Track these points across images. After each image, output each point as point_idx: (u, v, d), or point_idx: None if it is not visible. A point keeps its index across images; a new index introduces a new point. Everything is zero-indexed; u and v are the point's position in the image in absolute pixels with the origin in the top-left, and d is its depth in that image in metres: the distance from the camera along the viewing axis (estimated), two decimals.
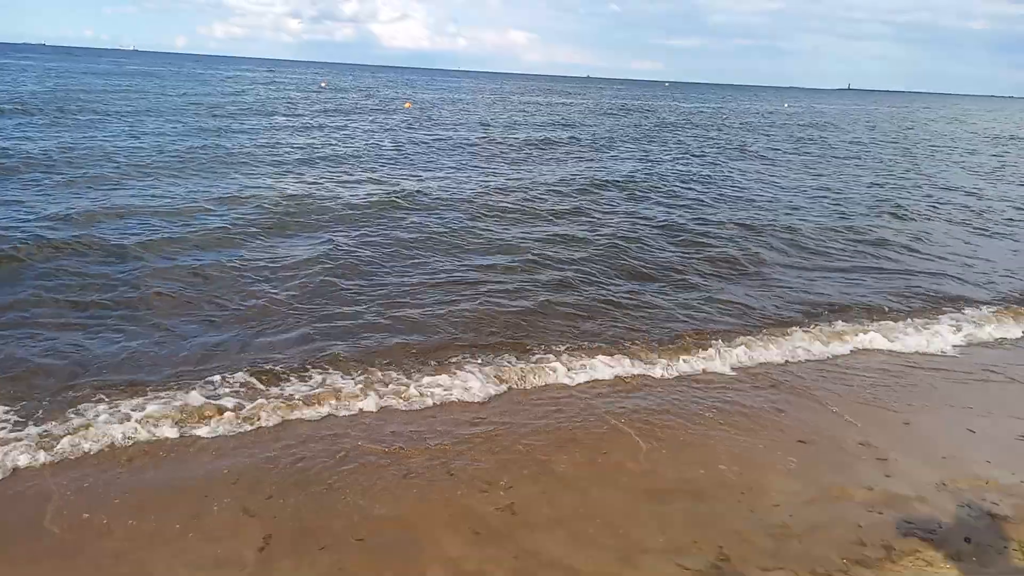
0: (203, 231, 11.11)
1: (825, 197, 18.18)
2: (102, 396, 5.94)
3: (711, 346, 7.94)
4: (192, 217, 11.99)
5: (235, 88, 53.60)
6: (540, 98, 71.41)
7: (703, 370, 7.39)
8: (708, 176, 20.51)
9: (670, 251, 11.95)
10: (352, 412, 6.04)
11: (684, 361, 7.53)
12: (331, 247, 10.72)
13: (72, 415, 5.62)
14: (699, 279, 10.51)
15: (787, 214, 15.51)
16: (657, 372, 7.26)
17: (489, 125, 34.15)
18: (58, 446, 5.20)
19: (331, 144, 22.92)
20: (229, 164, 17.52)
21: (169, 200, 13.14)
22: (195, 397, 6.03)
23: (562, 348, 7.57)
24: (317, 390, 6.35)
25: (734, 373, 7.37)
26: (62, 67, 73.26)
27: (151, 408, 5.81)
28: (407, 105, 46.67)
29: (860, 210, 16.53)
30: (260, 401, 6.08)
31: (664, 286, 10.04)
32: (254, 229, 11.48)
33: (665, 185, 18.11)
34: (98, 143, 19.13)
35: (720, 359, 7.63)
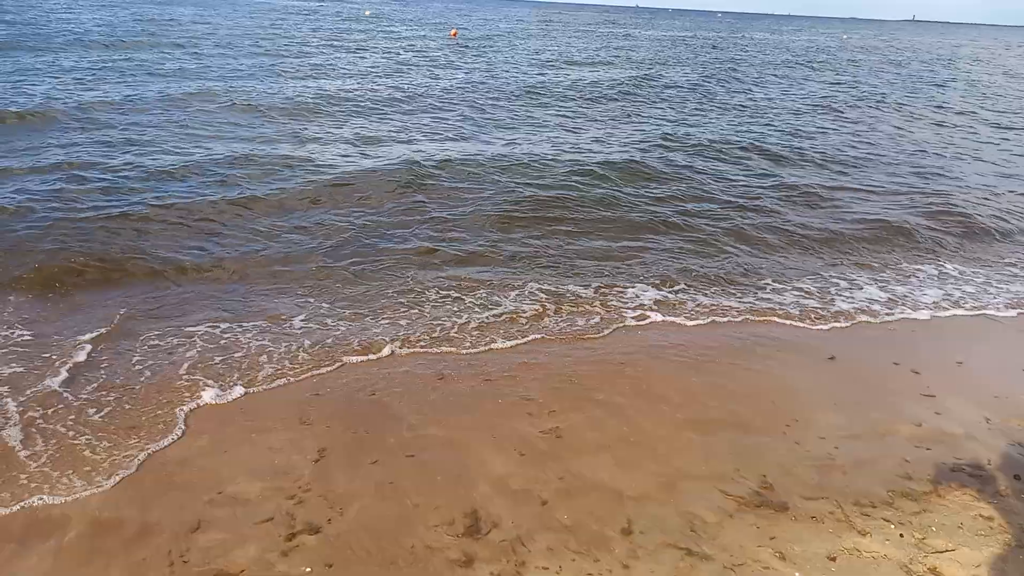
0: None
1: None
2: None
3: (769, 287, 7.85)
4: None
5: (280, 21, 53.04)
6: (598, 28, 69.15)
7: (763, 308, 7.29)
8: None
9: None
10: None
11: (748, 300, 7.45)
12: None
13: None
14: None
15: None
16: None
17: (552, 63, 33.04)
18: None
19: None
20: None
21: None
22: None
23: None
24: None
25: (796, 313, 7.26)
26: None
27: None
28: (452, 33, 45.78)
29: None
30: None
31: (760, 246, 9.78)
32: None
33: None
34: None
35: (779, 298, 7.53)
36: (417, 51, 32.38)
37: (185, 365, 5.51)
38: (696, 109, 19.73)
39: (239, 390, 5.23)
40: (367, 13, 69.61)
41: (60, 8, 41.79)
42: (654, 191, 11.14)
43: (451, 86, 20.99)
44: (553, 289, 7.33)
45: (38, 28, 28.57)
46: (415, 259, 7.93)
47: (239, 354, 5.71)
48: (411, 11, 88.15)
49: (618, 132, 15.58)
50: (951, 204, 11.33)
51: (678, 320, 6.87)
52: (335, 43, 33.78)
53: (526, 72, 25.92)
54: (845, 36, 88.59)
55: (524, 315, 6.69)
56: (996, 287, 8.22)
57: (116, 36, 28.13)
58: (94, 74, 18.12)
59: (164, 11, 49.10)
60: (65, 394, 5.02)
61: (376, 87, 19.94)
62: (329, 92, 18.20)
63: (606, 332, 6.52)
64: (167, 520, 3.94)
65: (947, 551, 3.91)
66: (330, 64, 24.75)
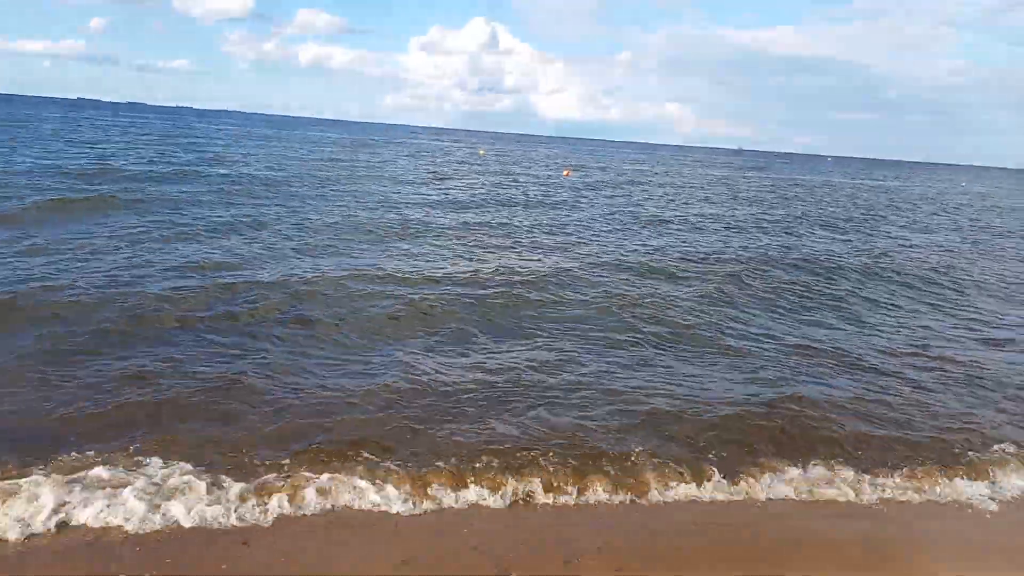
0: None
1: None
2: None
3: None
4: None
5: (407, 162, 56.96)
6: (704, 170, 70.14)
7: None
8: None
9: None
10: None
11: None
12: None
13: None
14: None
15: None
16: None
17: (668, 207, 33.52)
18: None
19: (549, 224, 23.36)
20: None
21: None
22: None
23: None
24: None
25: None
26: (258, 132, 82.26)
27: None
28: (566, 173, 47.08)
29: None
30: None
31: None
32: None
33: None
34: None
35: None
36: (541, 187, 33.34)
37: None
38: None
39: None
40: (481, 152, 73.87)
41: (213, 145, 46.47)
42: None
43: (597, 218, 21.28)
44: None
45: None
46: None
47: None
48: (520, 150, 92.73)
49: None
50: None
51: None
52: (465, 175, 35.53)
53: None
54: (964, 183, 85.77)
55: None
56: None
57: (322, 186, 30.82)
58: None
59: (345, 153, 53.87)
60: None
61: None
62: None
63: None
64: None
65: None
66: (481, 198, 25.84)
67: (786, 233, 22.63)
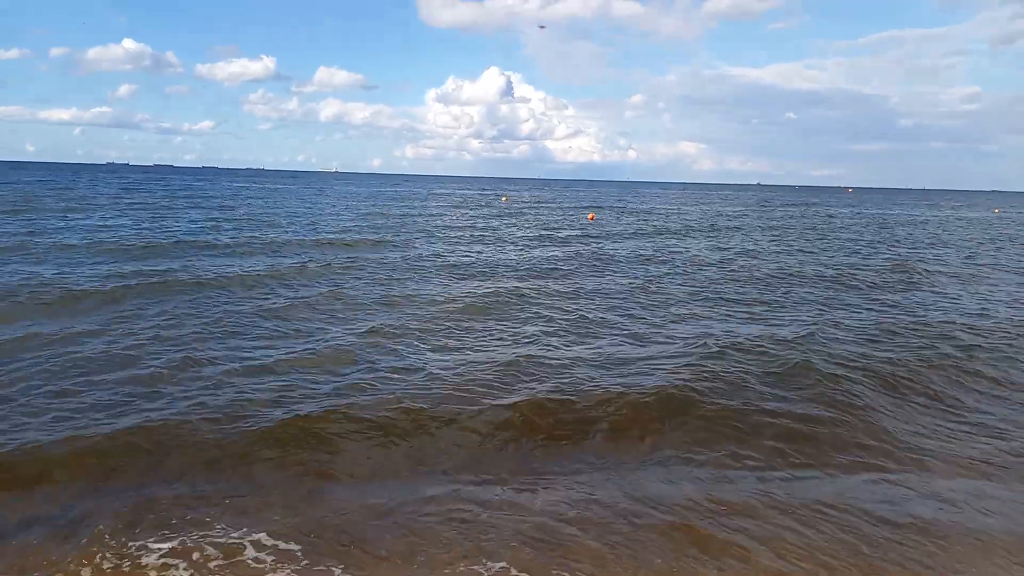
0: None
1: None
2: None
3: None
4: None
5: (433, 209, 57.43)
6: (720, 207, 69.60)
7: None
8: None
9: None
10: None
11: None
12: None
13: None
14: None
15: None
16: None
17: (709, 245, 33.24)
18: None
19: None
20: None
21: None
22: None
23: None
24: None
25: None
26: (283, 189, 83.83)
27: None
28: (590, 217, 46.91)
29: None
30: None
31: None
32: None
33: None
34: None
35: None
36: (573, 229, 33.27)
37: None
38: None
39: None
40: (504, 200, 74.17)
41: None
42: None
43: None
44: None
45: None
46: None
47: None
48: (543, 195, 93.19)
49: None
50: None
51: None
52: (488, 225, 35.56)
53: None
54: (997, 211, 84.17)
55: None
56: None
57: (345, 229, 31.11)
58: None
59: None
60: None
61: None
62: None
63: None
64: None
65: None
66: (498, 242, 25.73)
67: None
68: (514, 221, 41.87)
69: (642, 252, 25.61)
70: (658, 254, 25.13)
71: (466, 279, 18.20)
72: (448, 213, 48.23)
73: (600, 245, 28.13)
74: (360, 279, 17.48)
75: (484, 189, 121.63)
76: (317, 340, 11.26)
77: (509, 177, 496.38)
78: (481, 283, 17.53)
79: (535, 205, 65.15)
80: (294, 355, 10.28)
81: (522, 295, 15.71)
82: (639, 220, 46.10)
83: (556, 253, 24.83)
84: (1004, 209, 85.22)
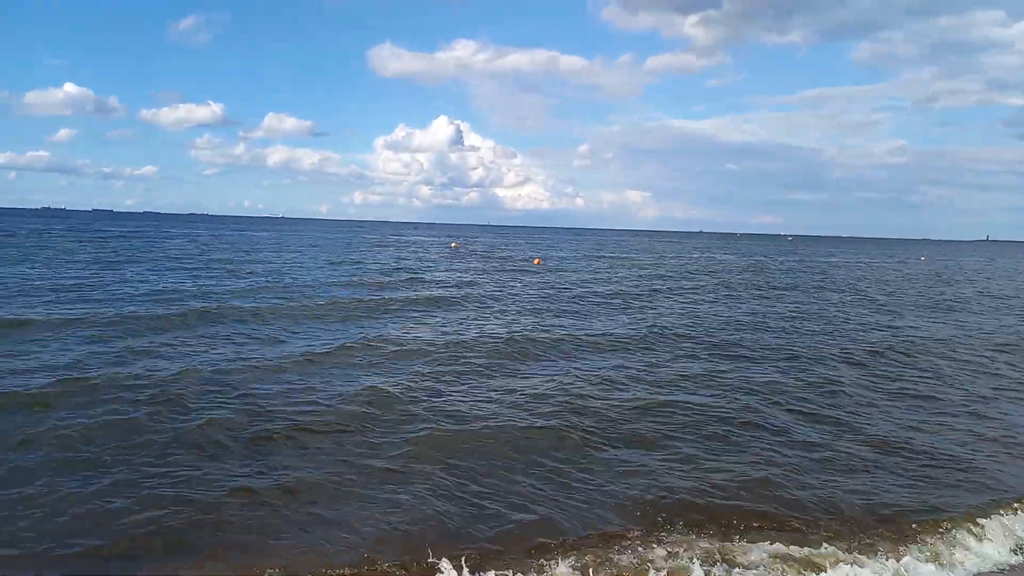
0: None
1: None
2: None
3: None
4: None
5: (387, 254, 57.29)
6: (676, 251, 71.67)
7: None
8: None
9: None
10: None
11: None
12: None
13: None
14: None
15: None
16: None
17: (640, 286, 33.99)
18: None
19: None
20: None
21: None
22: None
23: None
24: None
25: None
26: (229, 234, 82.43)
27: None
28: (536, 262, 47.59)
29: None
30: None
31: None
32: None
33: None
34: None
35: None
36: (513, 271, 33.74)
37: None
38: None
39: None
40: (454, 245, 74.50)
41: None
42: None
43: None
44: None
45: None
46: None
47: None
48: (496, 242, 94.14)
49: None
50: None
51: None
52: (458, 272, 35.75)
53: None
54: (924, 258, 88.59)
55: None
56: None
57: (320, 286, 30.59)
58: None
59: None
60: None
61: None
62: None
63: None
64: None
65: None
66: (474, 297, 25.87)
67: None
68: (465, 265, 42.16)
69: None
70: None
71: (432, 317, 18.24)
72: (407, 258, 48.28)
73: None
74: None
75: (435, 235, 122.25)
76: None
77: (459, 223, 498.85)
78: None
79: (487, 250, 65.84)
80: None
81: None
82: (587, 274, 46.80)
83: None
84: (930, 258, 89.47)
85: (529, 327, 17.62)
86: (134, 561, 5.81)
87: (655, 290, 29.42)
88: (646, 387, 11.90)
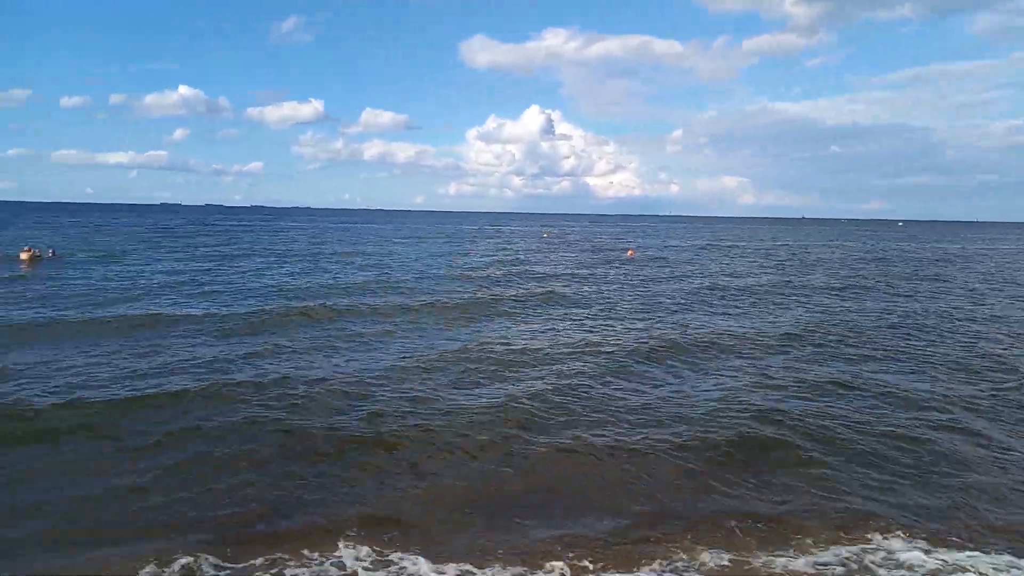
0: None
1: None
2: None
3: None
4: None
5: (489, 244, 57.06)
6: (793, 239, 67.86)
7: None
8: None
9: None
10: None
11: None
12: None
13: None
14: None
15: None
16: None
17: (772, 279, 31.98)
18: None
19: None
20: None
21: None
22: None
23: None
24: None
25: None
26: (335, 226, 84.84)
27: None
28: (629, 253, 45.86)
29: None
30: None
31: None
32: None
33: None
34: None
35: None
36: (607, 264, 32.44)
37: None
38: None
39: None
40: (546, 235, 74.63)
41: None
42: None
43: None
44: None
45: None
46: None
47: None
48: (588, 231, 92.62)
49: None
50: None
51: None
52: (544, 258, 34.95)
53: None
54: None
55: None
56: None
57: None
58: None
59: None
60: None
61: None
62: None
63: None
64: None
65: None
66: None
67: None
68: (568, 256, 41.16)
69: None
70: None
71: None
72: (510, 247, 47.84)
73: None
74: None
75: (529, 224, 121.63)
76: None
77: (551, 212, 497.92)
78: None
79: (580, 239, 64.57)
80: None
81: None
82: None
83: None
84: None
85: (671, 326, 16.51)
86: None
87: (781, 282, 27.37)
88: (837, 394, 10.61)
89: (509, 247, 50.39)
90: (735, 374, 11.85)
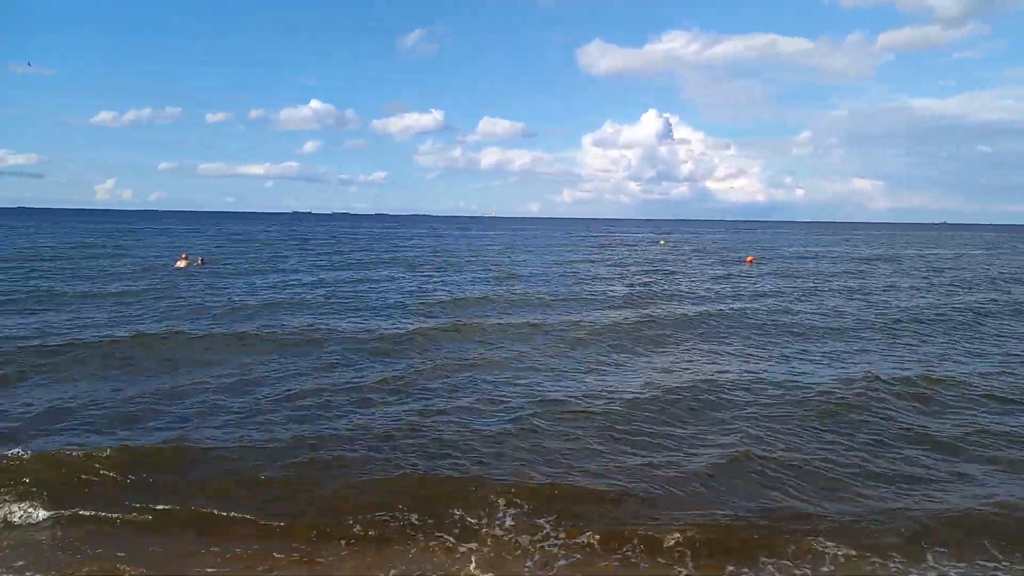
0: None
1: None
2: None
3: None
4: None
5: (614, 254, 55.53)
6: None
7: None
8: None
9: None
10: None
11: None
12: None
13: None
14: None
15: None
16: None
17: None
18: None
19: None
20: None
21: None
22: None
23: None
24: None
25: None
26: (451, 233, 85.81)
27: None
28: (749, 261, 43.70)
29: None
30: None
31: None
32: None
33: None
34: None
35: None
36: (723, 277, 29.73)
37: None
38: None
39: None
40: (661, 243, 72.89)
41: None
42: None
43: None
44: None
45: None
46: None
47: None
48: (709, 237, 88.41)
49: None
50: None
51: None
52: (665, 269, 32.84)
53: None
54: None
55: None
56: None
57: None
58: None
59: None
60: None
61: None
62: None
63: None
64: None
65: None
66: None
67: None
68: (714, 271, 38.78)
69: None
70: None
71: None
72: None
73: None
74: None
75: (651, 232, 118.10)
76: None
77: (668, 218, 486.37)
78: None
79: (700, 248, 61.32)
80: None
81: None
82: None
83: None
84: None
85: (893, 365, 13.55)
86: None
87: (968, 309, 22.90)
88: None
89: (644, 260, 48.47)
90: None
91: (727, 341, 15.73)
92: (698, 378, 11.84)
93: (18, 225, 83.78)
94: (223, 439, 8.40)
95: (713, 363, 13.28)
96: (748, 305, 21.57)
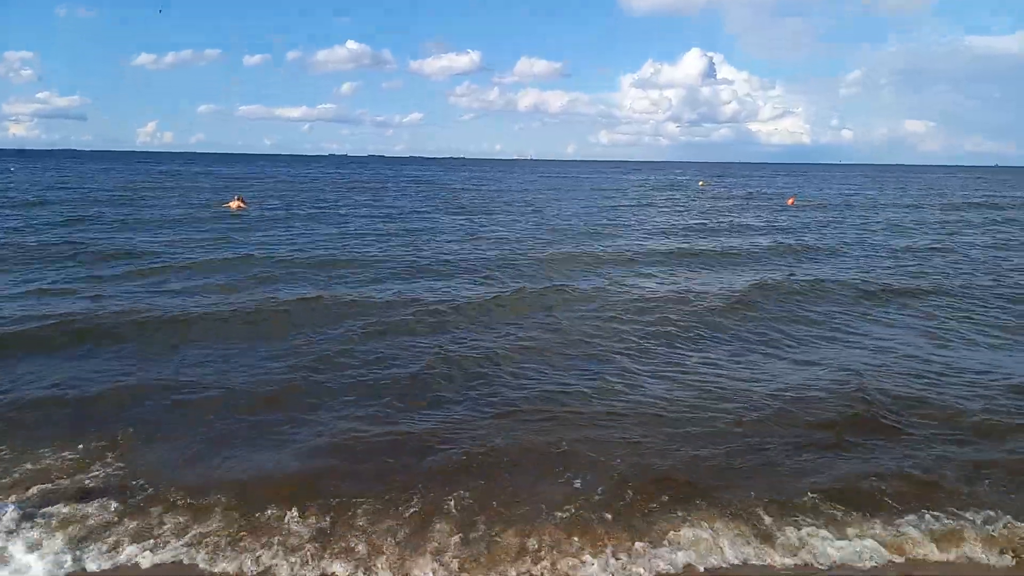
0: None
1: None
2: None
3: None
4: None
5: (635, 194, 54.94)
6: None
7: None
8: None
9: None
10: None
11: None
12: None
13: None
14: None
15: None
16: None
17: None
18: None
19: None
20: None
21: None
22: None
23: None
24: None
25: None
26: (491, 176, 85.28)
27: None
28: (790, 201, 43.60)
29: None
30: None
31: None
32: None
33: None
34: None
35: None
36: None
37: None
38: None
39: None
40: (701, 184, 72.01)
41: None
42: None
43: None
44: None
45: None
46: None
47: None
48: (743, 182, 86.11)
49: None
50: None
51: None
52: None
53: None
54: None
55: None
56: None
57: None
58: None
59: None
60: None
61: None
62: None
63: None
64: None
65: None
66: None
67: None
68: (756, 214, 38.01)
69: None
70: None
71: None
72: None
73: None
74: None
75: (694, 174, 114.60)
76: None
77: (709, 161, 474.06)
78: None
79: (751, 190, 59.69)
80: None
81: None
82: None
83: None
84: None
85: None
86: None
87: None
88: None
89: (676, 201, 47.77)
90: None
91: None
92: None
93: (71, 167, 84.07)
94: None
95: None
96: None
